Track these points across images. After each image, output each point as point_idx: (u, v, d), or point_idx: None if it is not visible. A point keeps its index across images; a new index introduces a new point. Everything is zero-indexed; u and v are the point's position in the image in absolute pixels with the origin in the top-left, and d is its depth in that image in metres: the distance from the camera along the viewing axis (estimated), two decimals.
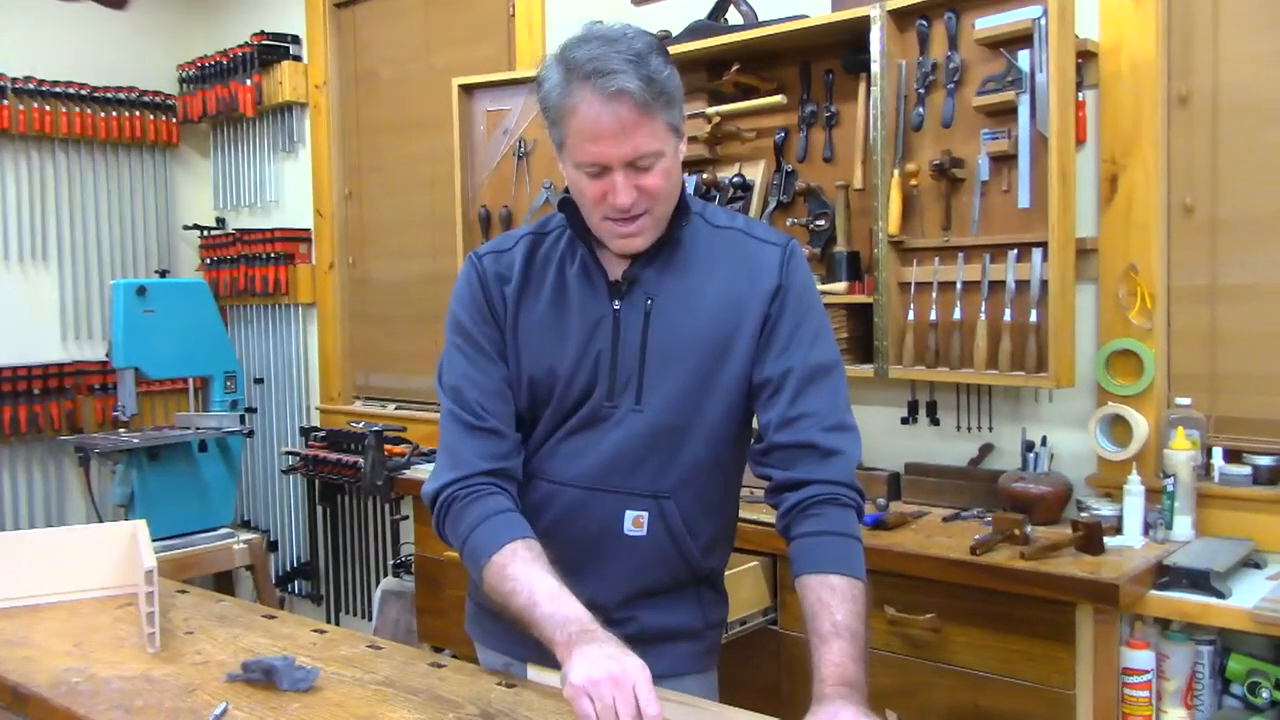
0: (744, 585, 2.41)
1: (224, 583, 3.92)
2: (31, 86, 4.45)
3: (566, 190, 1.57)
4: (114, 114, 4.69)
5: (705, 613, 1.65)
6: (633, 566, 1.55)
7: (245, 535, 3.84)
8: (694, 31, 2.99)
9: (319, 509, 4.44)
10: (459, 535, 1.51)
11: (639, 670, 1.25)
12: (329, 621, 4.37)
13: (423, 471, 3.42)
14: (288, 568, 4.70)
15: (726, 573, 2.24)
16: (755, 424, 1.62)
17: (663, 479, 1.55)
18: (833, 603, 1.40)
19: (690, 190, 2.99)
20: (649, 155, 1.44)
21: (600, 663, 1.25)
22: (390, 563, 4.02)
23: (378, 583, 4.06)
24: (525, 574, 1.42)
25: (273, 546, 4.72)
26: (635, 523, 1.55)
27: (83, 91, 4.58)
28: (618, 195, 1.44)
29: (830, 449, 1.50)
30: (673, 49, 2.96)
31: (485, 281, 1.59)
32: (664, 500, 1.55)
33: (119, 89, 4.71)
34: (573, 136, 1.44)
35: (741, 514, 2.50)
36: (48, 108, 4.50)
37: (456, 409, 1.57)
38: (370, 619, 4.02)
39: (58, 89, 4.52)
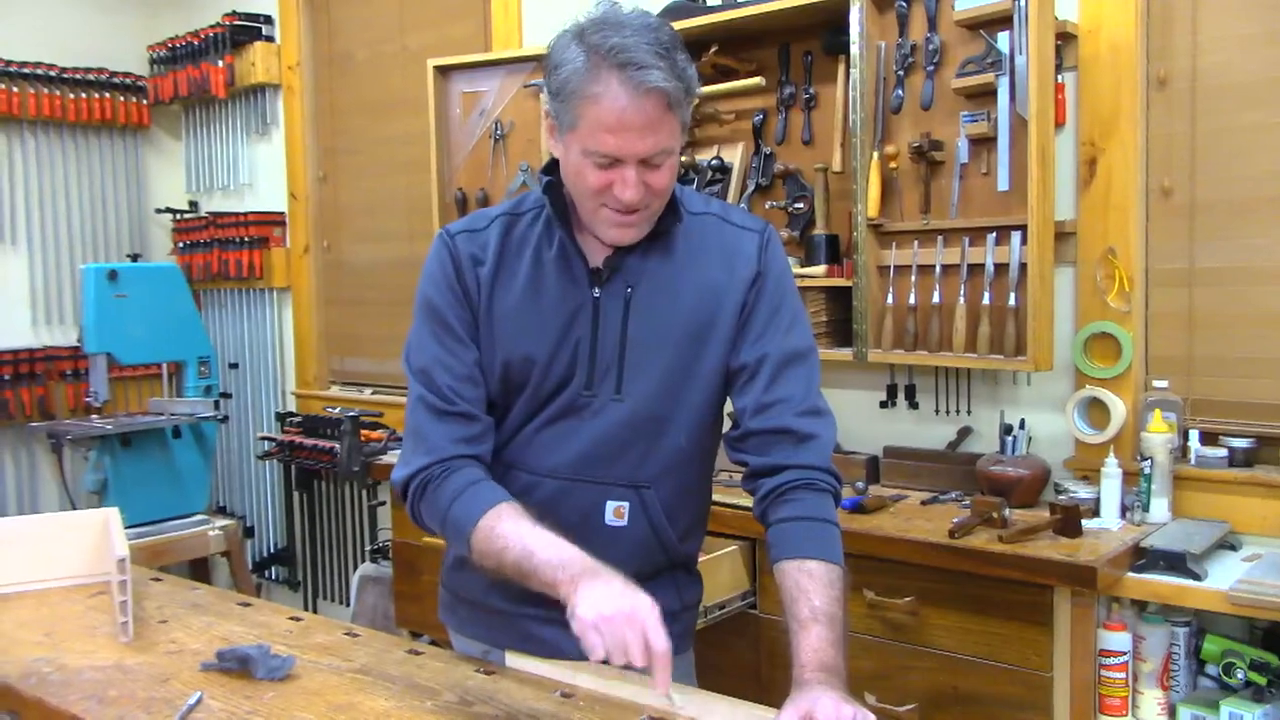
0: (723, 569, 2.40)
1: (200, 569, 3.89)
2: None
3: (547, 171, 1.55)
4: (83, 95, 4.62)
5: (682, 595, 1.65)
6: (612, 557, 1.50)
7: (221, 521, 3.81)
8: (672, 12, 2.96)
9: (295, 495, 4.41)
10: (438, 512, 1.48)
11: (649, 607, 1.25)
12: (306, 607, 4.35)
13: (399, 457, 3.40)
14: (264, 554, 4.67)
15: (704, 557, 2.25)
16: (729, 409, 1.61)
17: (643, 469, 1.54)
18: (810, 588, 1.39)
19: None
20: (663, 153, 1.42)
21: (610, 598, 1.25)
22: (367, 548, 3.99)
23: (355, 568, 4.04)
24: (515, 529, 1.40)
25: (249, 533, 4.68)
26: (616, 513, 1.54)
27: (51, 73, 4.51)
28: (626, 190, 1.41)
29: (806, 434, 1.50)
30: None
31: (458, 261, 1.55)
32: (644, 490, 1.54)
33: (88, 70, 4.64)
34: (589, 123, 1.38)
35: (719, 498, 2.51)
36: (15, 89, 4.42)
37: (426, 393, 1.53)
38: (348, 605, 4.00)
39: (25, 70, 4.44)
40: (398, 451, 3.46)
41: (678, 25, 2.84)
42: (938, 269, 2.56)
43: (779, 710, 1.28)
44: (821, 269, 2.73)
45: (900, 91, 2.61)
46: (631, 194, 1.41)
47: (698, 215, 1.58)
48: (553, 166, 1.54)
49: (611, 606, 1.24)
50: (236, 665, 1.51)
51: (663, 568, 1.61)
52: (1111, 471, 2.31)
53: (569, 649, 1.37)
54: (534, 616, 1.54)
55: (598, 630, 1.23)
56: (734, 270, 1.54)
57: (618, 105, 1.36)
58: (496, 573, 1.42)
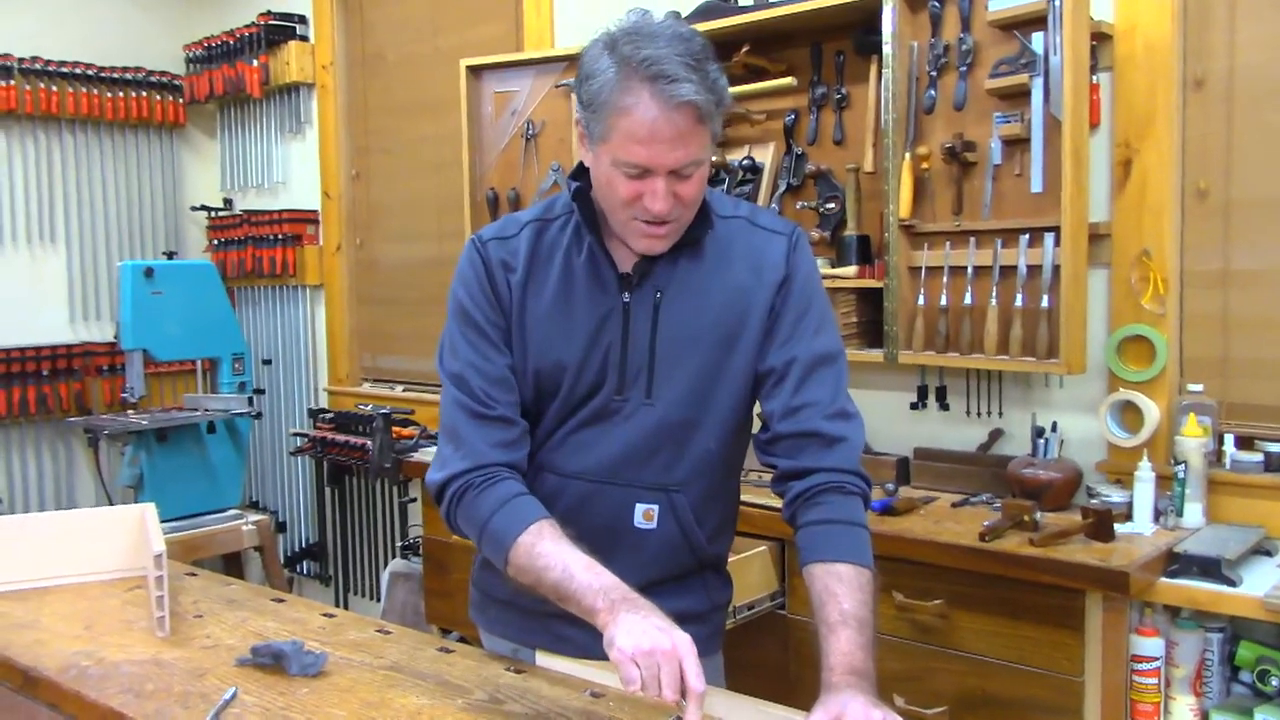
0: (752, 570, 2.40)
1: (232, 564, 3.94)
2: (38, 67, 4.44)
3: (576, 175, 1.56)
4: (120, 94, 4.68)
5: (711, 596, 1.66)
6: (641, 559, 1.54)
7: (254, 516, 3.85)
8: (704, 12, 2.97)
9: (327, 490, 4.45)
10: (476, 522, 1.49)
11: (688, 645, 1.25)
12: (337, 603, 4.39)
13: (430, 454, 3.41)
14: (296, 549, 4.71)
15: (734, 558, 2.26)
16: (758, 411, 1.61)
17: (673, 472, 1.55)
18: (840, 591, 1.39)
19: None
20: (692, 164, 1.42)
21: (650, 633, 1.25)
22: (398, 544, 4.02)
23: (386, 564, 4.07)
24: (556, 550, 1.41)
25: (281, 528, 4.73)
26: (646, 516, 1.55)
27: (89, 72, 4.57)
28: (657, 202, 1.42)
29: (835, 436, 1.50)
30: None
31: (490, 268, 1.56)
32: (674, 493, 1.55)
33: (125, 69, 4.70)
34: (620, 134, 1.39)
35: (748, 498, 2.51)
36: (54, 88, 4.49)
37: (463, 397, 1.54)
38: (378, 600, 4.03)
39: (64, 69, 4.51)
40: (429, 449, 3.51)
41: (709, 25, 2.86)
42: (970, 270, 2.55)
43: (807, 713, 1.28)
44: (853, 270, 2.72)
45: (933, 92, 2.60)
46: (661, 205, 1.42)
47: (726, 219, 1.59)
48: (581, 172, 1.55)
49: (650, 641, 1.24)
50: (271, 661, 1.53)
51: (691, 570, 1.61)
52: (1145, 475, 2.29)
53: (598, 650, 1.37)
54: (563, 616, 1.52)
55: (635, 663, 1.24)
56: (761, 274, 1.55)
57: (648, 117, 1.37)
58: (532, 590, 1.43)
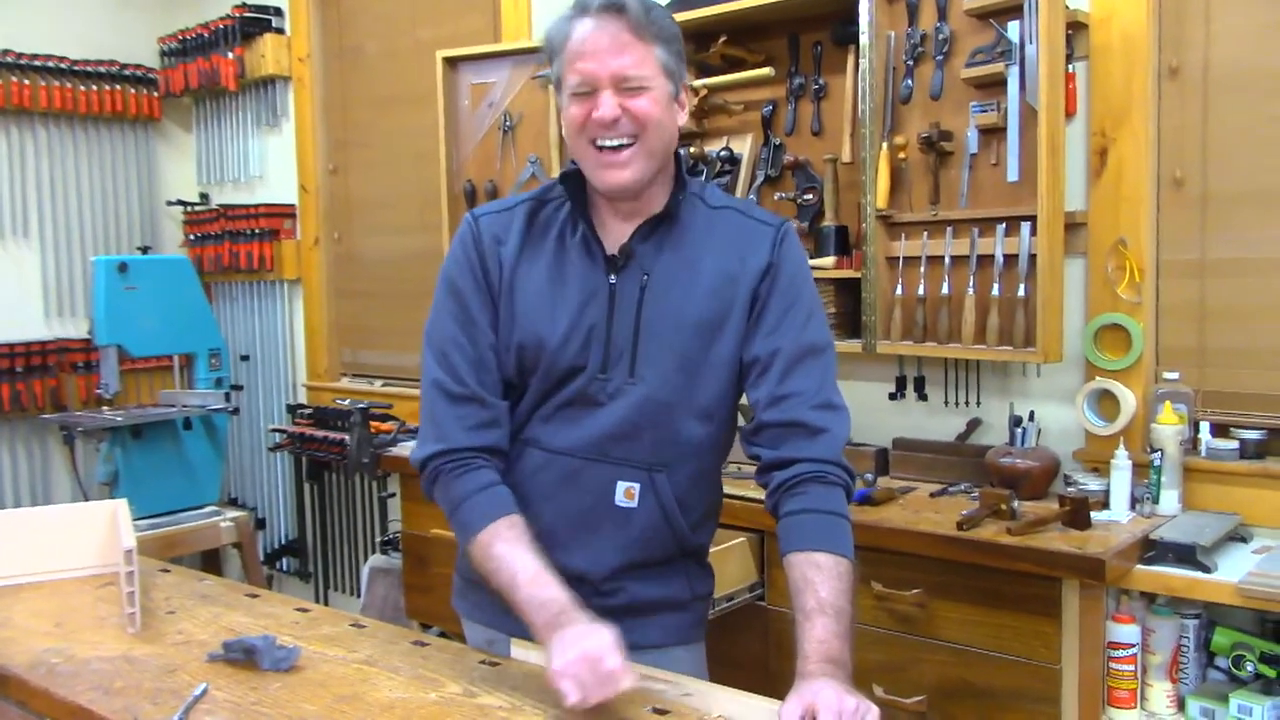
0: (731, 561, 2.40)
1: (211, 561, 3.91)
2: (10, 60, 4.38)
3: (573, 163, 1.58)
4: (94, 88, 4.63)
5: (693, 585, 1.66)
6: (624, 539, 1.56)
7: (232, 513, 3.83)
8: (681, 2, 2.95)
9: (306, 486, 4.42)
10: (449, 505, 1.54)
11: (609, 645, 1.30)
12: (317, 599, 4.37)
13: (409, 449, 3.40)
14: (275, 545, 4.69)
15: (714, 549, 2.25)
16: (744, 402, 1.61)
17: (655, 452, 1.55)
18: (818, 580, 1.40)
19: None
20: (637, 79, 1.47)
21: (572, 643, 1.31)
22: (378, 540, 4.00)
23: (366, 560, 4.05)
24: (508, 554, 1.45)
25: (260, 524, 4.70)
26: (627, 494, 1.55)
27: (62, 65, 4.51)
28: (602, 109, 1.46)
29: (818, 427, 1.51)
30: None
31: (480, 243, 1.58)
32: (656, 473, 1.55)
33: (99, 63, 4.64)
34: (566, 61, 1.48)
35: (729, 490, 2.50)
36: (26, 82, 4.43)
37: (441, 374, 1.56)
38: (359, 596, 4.01)
39: (37, 63, 4.45)
40: (407, 444, 3.49)
41: (687, 15, 2.85)
42: (947, 260, 2.55)
43: (784, 702, 1.28)
44: (830, 260, 2.71)
45: (910, 82, 2.60)
46: (606, 112, 1.46)
47: (718, 209, 1.61)
48: None
49: (575, 650, 1.29)
50: (242, 656, 1.51)
51: (674, 555, 1.62)
52: (1121, 463, 2.30)
53: None
54: None
55: (565, 677, 1.28)
56: (747, 261, 1.56)
57: (585, 32, 1.47)
58: (488, 575, 1.48)
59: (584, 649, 1.29)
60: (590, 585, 1.53)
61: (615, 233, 1.56)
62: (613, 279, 1.54)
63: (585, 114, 1.48)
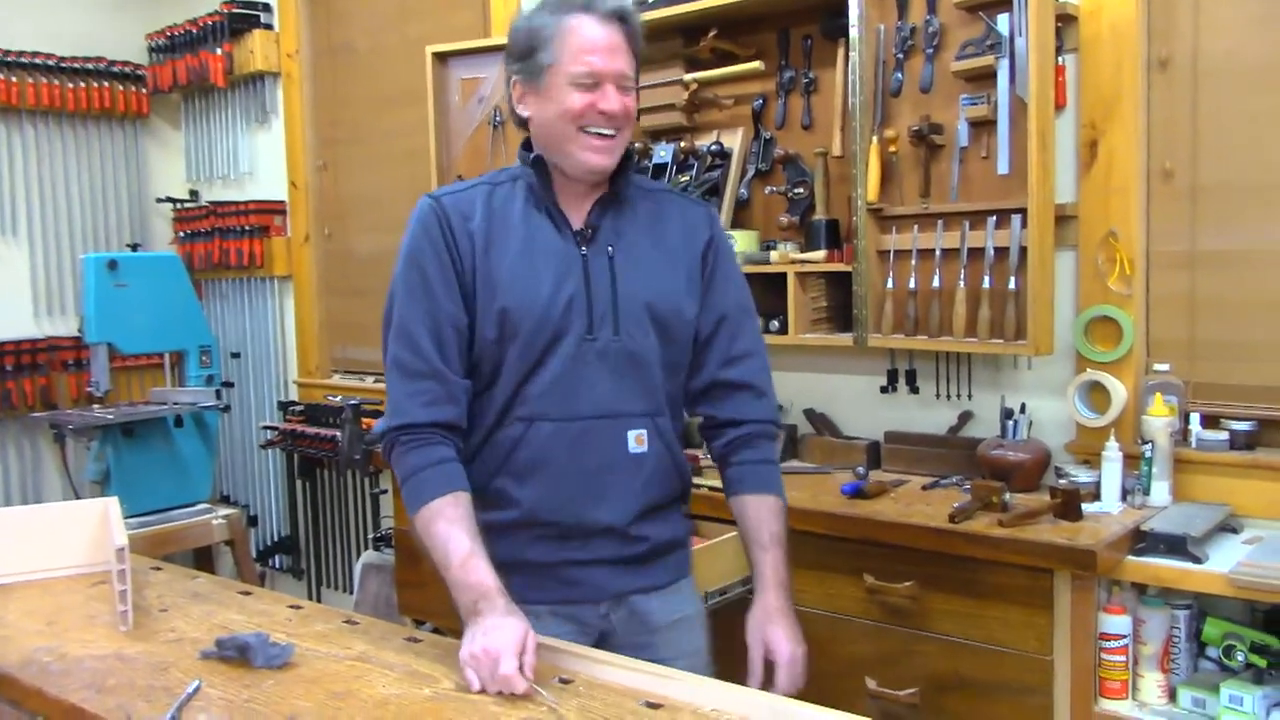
0: (724, 555, 2.40)
1: (204, 558, 3.90)
2: None
3: (526, 146, 1.71)
4: (82, 85, 4.61)
5: (685, 525, 1.86)
6: (639, 482, 1.68)
7: (224, 510, 3.81)
8: None
9: (298, 483, 4.42)
10: (401, 477, 1.62)
11: (511, 645, 1.41)
12: (310, 596, 4.36)
13: None
14: (268, 542, 4.68)
15: (705, 543, 2.28)
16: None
17: (650, 400, 1.70)
18: (768, 518, 1.74)
19: (669, 158, 3.00)
20: (629, 79, 1.65)
21: (482, 635, 1.44)
22: (370, 536, 4.00)
23: (358, 556, 4.04)
24: (445, 532, 1.55)
25: (252, 521, 4.69)
26: (638, 440, 1.67)
27: (50, 62, 4.50)
28: (610, 102, 1.61)
29: (763, 390, 1.80)
30: (649, 14, 2.93)
31: (447, 219, 1.66)
32: (657, 417, 1.70)
33: (87, 60, 4.63)
34: (569, 52, 1.60)
35: (716, 484, 2.51)
36: (14, 79, 4.41)
37: (401, 350, 1.62)
38: (351, 593, 4.01)
39: (24, 60, 4.43)
40: None
41: (677, 10, 2.86)
42: (938, 253, 2.55)
43: (773, 694, 1.31)
44: (821, 254, 2.72)
45: (900, 75, 2.60)
46: (614, 105, 1.61)
47: (654, 191, 1.81)
48: (528, 144, 1.72)
49: (479, 644, 1.43)
50: (235, 654, 1.51)
51: (676, 495, 1.78)
52: (1112, 455, 2.31)
53: (612, 585, 1.68)
54: (575, 561, 1.67)
55: (467, 666, 1.43)
56: (691, 236, 1.76)
57: (591, 31, 1.60)
58: (428, 546, 1.58)
59: (486, 644, 1.41)
60: (618, 535, 1.67)
61: (574, 210, 1.70)
62: (584, 250, 1.67)
63: (589, 104, 1.60)
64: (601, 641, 1.69)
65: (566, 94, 1.61)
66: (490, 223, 1.66)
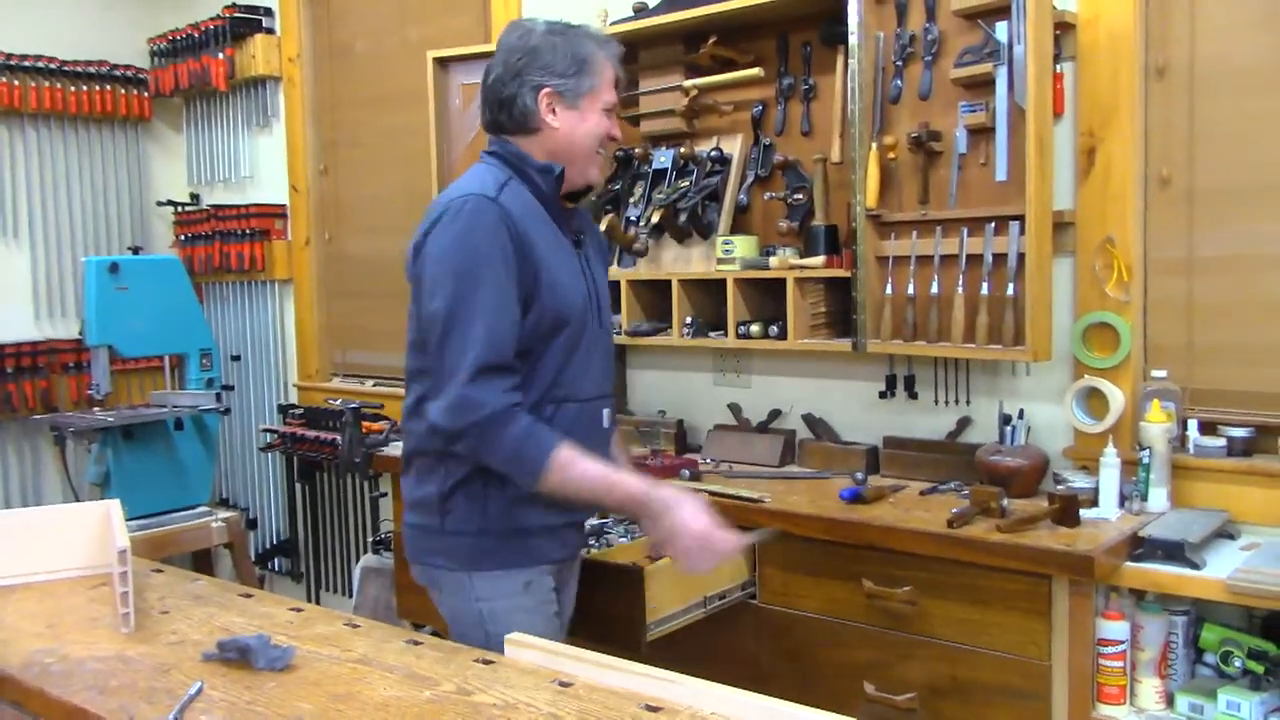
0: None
1: (203, 561, 3.91)
2: (0, 61, 4.37)
3: (507, 158, 1.90)
4: (84, 88, 4.63)
5: None
6: (605, 456, 1.93)
7: (223, 513, 3.82)
8: (671, 2, 2.96)
9: (298, 486, 4.42)
10: (501, 451, 1.75)
11: (704, 518, 1.79)
12: (309, 599, 4.36)
13: (400, 448, 3.40)
14: (267, 545, 4.69)
15: None
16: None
17: (611, 382, 2.03)
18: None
19: (669, 164, 3.02)
20: None
21: (679, 537, 1.78)
22: (369, 539, 4.00)
23: (358, 559, 4.05)
24: (580, 471, 1.78)
25: (252, 524, 4.70)
26: (608, 417, 2.01)
27: (52, 66, 4.51)
28: (617, 129, 1.97)
29: None
30: (649, 20, 2.95)
31: (512, 220, 1.79)
32: (612, 396, 2.04)
33: (89, 63, 4.64)
34: (605, 82, 1.91)
35: (722, 489, 2.52)
36: (16, 82, 4.43)
37: (487, 347, 1.74)
38: (350, 596, 4.01)
39: (26, 64, 4.45)
40: (399, 443, 3.48)
41: (677, 16, 2.87)
42: (936, 259, 2.56)
43: (776, 699, 1.32)
44: (820, 260, 2.73)
45: (899, 82, 2.61)
46: (619, 131, 1.98)
47: (578, 207, 2.06)
48: (504, 151, 1.91)
49: (685, 541, 1.77)
50: (237, 656, 1.52)
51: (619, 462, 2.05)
52: (1110, 461, 2.31)
53: (579, 543, 2.02)
54: (570, 524, 1.94)
55: (696, 559, 1.79)
56: (603, 243, 2.16)
57: (617, 68, 1.95)
58: (574, 496, 1.80)
59: (691, 532, 1.76)
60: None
61: (560, 216, 1.94)
62: (578, 251, 1.96)
63: (608, 129, 1.93)
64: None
65: (599, 118, 1.91)
66: (526, 222, 1.82)
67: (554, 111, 1.88)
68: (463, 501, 1.85)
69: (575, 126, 1.89)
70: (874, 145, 2.61)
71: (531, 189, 1.88)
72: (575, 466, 1.78)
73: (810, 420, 2.95)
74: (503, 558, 1.87)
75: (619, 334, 2.99)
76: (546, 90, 1.87)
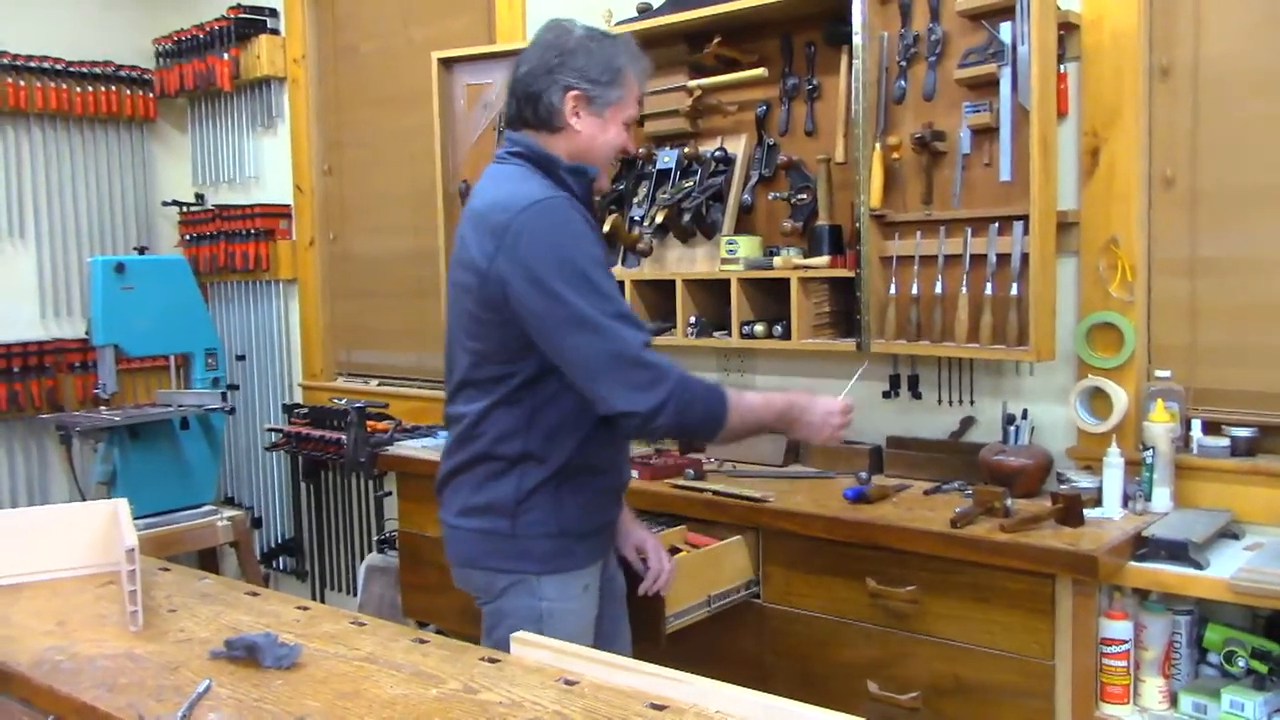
0: (728, 559, 2.42)
1: (208, 560, 3.92)
2: (5, 62, 4.39)
3: (537, 161, 1.91)
4: (90, 89, 4.64)
5: None
6: (626, 451, 2.07)
7: (229, 512, 3.84)
8: (675, 3, 2.97)
9: (303, 485, 4.43)
10: (695, 406, 1.83)
11: (829, 403, 2.04)
12: (314, 598, 4.38)
13: (405, 448, 3.41)
14: (272, 544, 4.70)
15: (710, 547, 2.31)
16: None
17: None
18: None
19: (673, 164, 3.02)
20: None
21: (819, 427, 2.01)
22: (374, 538, 4.02)
23: (362, 559, 4.06)
24: (752, 399, 1.95)
25: (257, 523, 4.71)
26: None
27: (58, 67, 4.53)
28: (632, 143, 2.03)
29: None
30: (654, 21, 2.95)
31: (587, 219, 1.89)
32: None
33: (95, 64, 4.65)
34: (631, 97, 1.96)
35: (726, 489, 2.53)
36: (22, 83, 4.44)
37: (635, 332, 1.80)
38: (355, 595, 4.02)
39: (32, 64, 4.46)
40: (404, 442, 3.49)
41: (681, 16, 2.88)
42: (940, 259, 2.57)
43: (780, 698, 1.33)
44: (824, 260, 2.73)
45: (903, 82, 2.61)
46: (633, 147, 2.14)
47: None
48: (530, 152, 1.92)
49: (817, 429, 2.00)
50: (244, 654, 1.53)
51: None
52: (1114, 461, 2.32)
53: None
54: (614, 518, 2.06)
55: (834, 427, 2.00)
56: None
57: (641, 87, 2.00)
58: (733, 433, 1.91)
59: (824, 417, 2.00)
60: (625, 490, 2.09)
61: None
62: None
63: (625, 141, 1.98)
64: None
65: (619, 130, 1.96)
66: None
67: (578, 115, 1.91)
68: (542, 503, 1.90)
69: (597, 134, 1.93)
70: (878, 145, 2.61)
71: (583, 195, 1.94)
72: (742, 398, 1.91)
73: None
74: (577, 558, 1.95)
75: None
76: (575, 92, 1.89)
